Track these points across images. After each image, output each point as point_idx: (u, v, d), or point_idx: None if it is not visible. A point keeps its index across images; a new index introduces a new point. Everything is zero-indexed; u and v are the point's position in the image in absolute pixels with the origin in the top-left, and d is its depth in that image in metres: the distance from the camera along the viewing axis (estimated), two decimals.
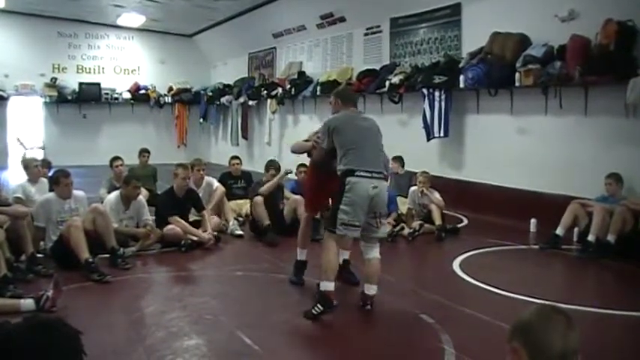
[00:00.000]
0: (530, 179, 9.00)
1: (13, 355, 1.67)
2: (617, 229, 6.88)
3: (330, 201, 5.25)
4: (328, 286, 4.82)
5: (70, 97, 18.63)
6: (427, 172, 8.57)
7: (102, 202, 7.52)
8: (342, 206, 4.84)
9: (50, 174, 8.07)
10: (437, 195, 8.36)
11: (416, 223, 8.15)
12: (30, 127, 18.59)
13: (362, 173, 4.84)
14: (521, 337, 1.81)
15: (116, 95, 19.35)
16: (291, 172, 8.22)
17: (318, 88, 13.70)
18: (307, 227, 5.95)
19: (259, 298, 5.60)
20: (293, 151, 5.92)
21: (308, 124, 14.54)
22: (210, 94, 19.23)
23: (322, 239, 5.32)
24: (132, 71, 20.03)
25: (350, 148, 4.96)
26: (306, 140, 5.73)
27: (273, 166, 8.38)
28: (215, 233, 7.70)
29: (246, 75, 18.14)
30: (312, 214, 6.02)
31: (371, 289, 5.12)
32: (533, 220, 8.39)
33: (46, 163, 9.33)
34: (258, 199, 7.98)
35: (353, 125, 5.15)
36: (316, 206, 5.99)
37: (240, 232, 8.23)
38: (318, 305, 4.77)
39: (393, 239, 7.87)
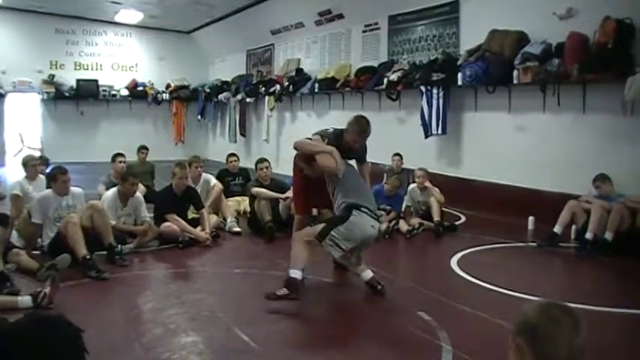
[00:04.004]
0: (528, 177, 9.00)
1: (15, 352, 1.66)
2: (615, 226, 6.89)
3: (322, 207, 5.73)
4: (296, 273, 5.03)
5: (67, 94, 18.62)
6: (424, 168, 8.58)
7: (100, 199, 7.51)
8: (340, 227, 5.08)
9: (48, 171, 8.06)
10: (437, 190, 8.39)
11: (415, 221, 8.15)
12: (27, 123, 18.57)
13: (366, 210, 5.19)
14: (526, 336, 1.76)
15: (114, 92, 19.31)
16: (285, 199, 8.09)
17: (316, 85, 13.69)
18: (301, 229, 5.94)
19: (257, 295, 5.58)
20: (297, 148, 5.67)
21: (306, 120, 14.56)
22: (208, 90, 19.22)
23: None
24: (130, 68, 19.99)
25: (354, 187, 5.30)
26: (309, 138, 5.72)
27: (262, 163, 8.41)
28: (213, 232, 7.70)
29: (244, 72, 18.13)
30: (303, 215, 6.00)
31: (367, 275, 5.44)
32: (531, 218, 8.38)
33: (43, 160, 9.32)
34: (262, 194, 8.01)
35: (355, 172, 5.57)
36: (305, 207, 5.99)
37: (238, 229, 8.22)
38: (285, 289, 4.95)
39: (390, 235, 7.88)
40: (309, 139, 5.66)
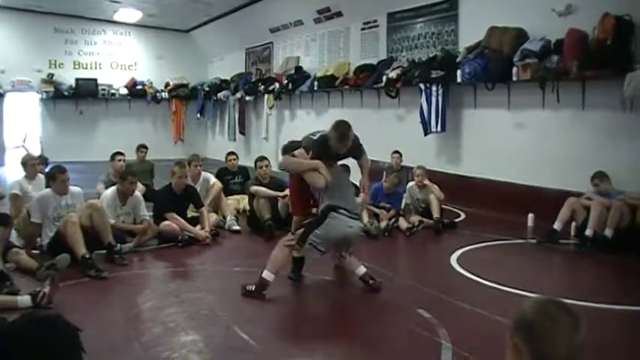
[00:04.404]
0: (527, 174, 8.99)
1: (13, 352, 1.66)
2: (615, 223, 6.89)
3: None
4: (270, 276, 5.28)
5: (66, 93, 18.60)
6: (423, 166, 8.58)
7: (99, 198, 7.50)
8: (317, 231, 5.26)
9: (47, 170, 8.05)
10: (436, 187, 8.39)
11: (415, 218, 8.15)
12: (27, 122, 18.57)
13: (344, 212, 5.31)
14: (524, 334, 1.74)
15: (113, 91, 19.31)
16: (284, 198, 8.10)
17: (316, 83, 13.68)
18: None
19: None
20: (283, 167, 5.86)
21: (305, 119, 14.55)
22: (207, 89, 19.22)
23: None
24: (129, 67, 19.98)
25: (334, 189, 5.38)
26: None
27: (262, 161, 8.41)
28: (213, 230, 7.70)
29: (243, 70, 18.12)
30: (302, 216, 6.01)
31: (360, 270, 5.55)
32: (530, 215, 8.38)
33: (42, 160, 9.31)
34: (261, 192, 8.01)
35: (339, 174, 5.68)
36: (304, 209, 6.00)
37: (238, 228, 8.22)
38: (255, 286, 5.26)
39: (390, 233, 7.88)
40: (294, 155, 5.70)
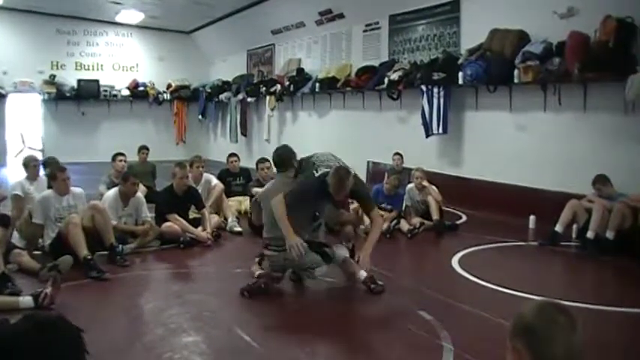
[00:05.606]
0: (529, 176, 8.99)
1: (15, 353, 1.66)
2: (616, 225, 6.88)
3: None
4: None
5: (68, 94, 18.64)
6: (422, 168, 8.57)
7: (101, 199, 7.51)
8: (271, 258, 5.61)
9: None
10: (434, 188, 8.39)
11: (416, 220, 8.15)
12: (28, 124, 18.59)
13: (275, 247, 5.50)
14: (523, 337, 1.76)
15: (115, 92, 19.35)
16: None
17: (317, 84, 13.70)
18: None
19: (258, 295, 5.59)
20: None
21: (307, 120, 14.56)
22: (209, 90, 19.25)
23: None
24: (130, 68, 20.02)
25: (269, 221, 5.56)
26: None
27: (263, 163, 8.44)
28: (214, 231, 7.70)
29: (245, 72, 18.15)
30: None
31: (362, 274, 5.53)
32: (532, 217, 8.38)
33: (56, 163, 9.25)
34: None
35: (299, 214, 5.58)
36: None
37: (239, 229, 8.23)
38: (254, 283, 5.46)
39: (391, 235, 7.88)
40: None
